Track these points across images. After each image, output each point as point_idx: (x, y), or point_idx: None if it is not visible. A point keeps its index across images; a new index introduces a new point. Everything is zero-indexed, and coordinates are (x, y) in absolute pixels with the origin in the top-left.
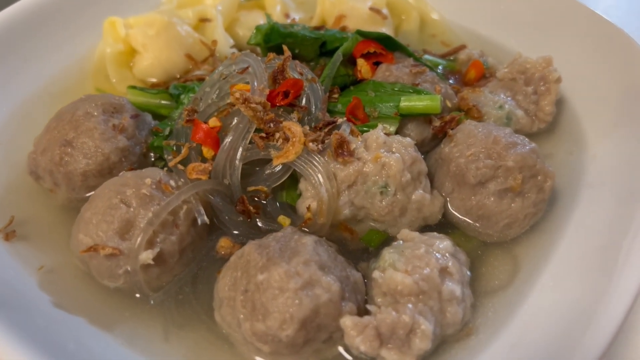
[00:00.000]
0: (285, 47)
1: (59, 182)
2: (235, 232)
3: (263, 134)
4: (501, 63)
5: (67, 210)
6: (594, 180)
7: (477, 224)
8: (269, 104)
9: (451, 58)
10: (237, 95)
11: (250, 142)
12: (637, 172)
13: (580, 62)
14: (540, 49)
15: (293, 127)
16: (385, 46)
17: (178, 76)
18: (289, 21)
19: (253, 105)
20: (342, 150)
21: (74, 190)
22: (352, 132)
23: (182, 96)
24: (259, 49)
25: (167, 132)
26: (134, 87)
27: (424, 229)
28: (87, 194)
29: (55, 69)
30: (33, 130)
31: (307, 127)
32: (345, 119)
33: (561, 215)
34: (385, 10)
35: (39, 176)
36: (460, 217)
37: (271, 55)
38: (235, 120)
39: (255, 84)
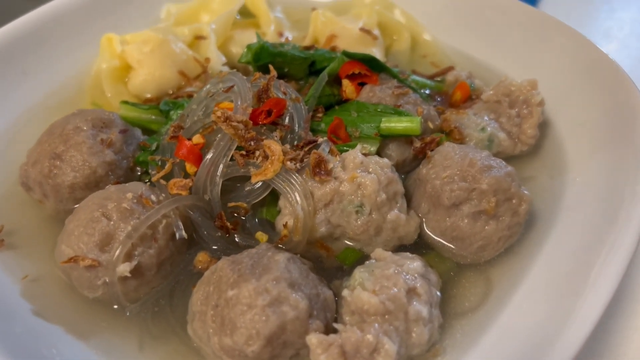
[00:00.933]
0: (271, 67)
1: (48, 193)
2: (214, 247)
3: (244, 152)
4: (489, 85)
5: (55, 221)
6: (572, 203)
7: (452, 245)
8: (251, 122)
9: (439, 79)
10: (219, 114)
11: (231, 159)
12: (613, 197)
13: (566, 85)
14: (528, 72)
15: (272, 145)
16: (371, 67)
17: (171, 92)
18: (282, 39)
19: (234, 123)
20: (319, 169)
21: (61, 202)
22: (331, 152)
23: (172, 112)
24: (250, 67)
25: (154, 147)
26: (126, 102)
27: (400, 248)
28: (74, 206)
29: (53, 83)
30: (28, 143)
31: (288, 146)
32: (325, 138)
33: (537, 238)
34: (376, 31)
35: (29, 187)
36: (435, 238)
37: (257, 74)
38: (218, 138)
39: (239, 102)
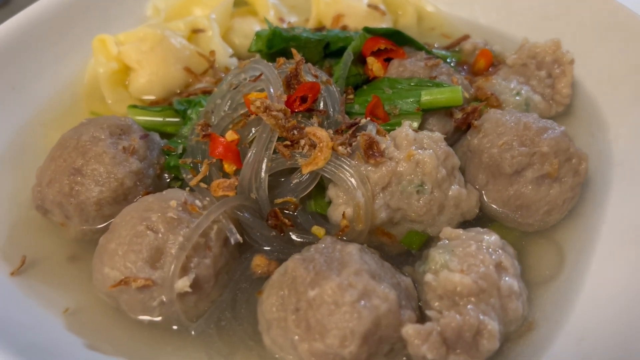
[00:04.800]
0: (294, 51)
1: (70, 214)
2: (267, 248)
3: (287, 143)
4: (507, 51)
5: (81, 244)
6: (622, 159)
7: (517, 214)
8: (289, 110)
9: (456, 49)
10: (258, 104)
11: (274, 152)
12: None
13: (586, 43)
14: (541, 33)
15: (318, 132)
16: (395, 41)
17: (178, 91)
18: (285, 25)
19: (274, 113)
20: (372, 151)
21: (87, 221)
22: (378, 132)
23: (189, 111)
24: (258, 56)
25: (180, 150)
26: (134, 106)
27: (462, 225)
28: (102, 224)
29: (44, 96)
30: (31, 164)
31: (331, 131)
32: (368, 119)
33: (597, 197)
34: (382, 6)
35: (46, 210)
36: (497, 209)
37: (281, 60)
38: (254, 131)
39: (272, 90)
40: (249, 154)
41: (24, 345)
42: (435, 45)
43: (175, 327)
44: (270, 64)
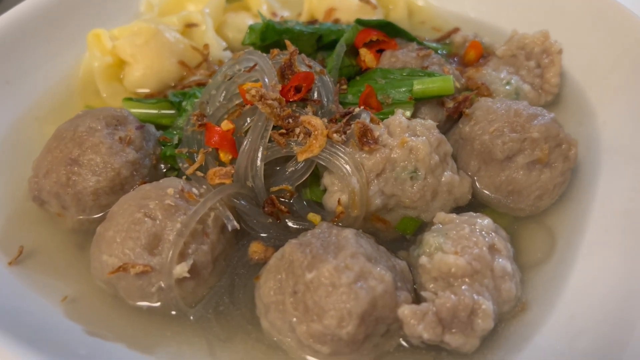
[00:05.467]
0: (288, 42)
1: (67, 204)
2: (264, 234)
3: (282, 131)
4: (496, 42)
5: (78, 233)
6: (610, 145)
7: (508, 200)
8: (284, 99)
9: (446, 42)
10: (253, 92)
11: (269, 141)
12: None
13: (574, 33)
14: (529, 25)
15: (313, 120)
16: (387, 33)
17: (173, 84)
18: (277, 19)
19: (269, 101)
20: (366, 139)
21: (84, 211)
22: (372, 120)
23: (184, 103)
24: (252, 49)
25: (175, 140)
26: (129, 99)
27: (455, 210)
28: (99, 214)
29: (40, 90)
30: (26, 158)
31: (325, 120)
32: (362, 107)
33: (587, 182)
34: (373, 0)
35: (43, 201)
36: (489, 194)
37: (275, 51)
38: (249, 120)
39: (267, 80)
40: (245, 142)
41: (23, 332)
42: (426, 39)
43: (173, 313)
44: (265, 54)
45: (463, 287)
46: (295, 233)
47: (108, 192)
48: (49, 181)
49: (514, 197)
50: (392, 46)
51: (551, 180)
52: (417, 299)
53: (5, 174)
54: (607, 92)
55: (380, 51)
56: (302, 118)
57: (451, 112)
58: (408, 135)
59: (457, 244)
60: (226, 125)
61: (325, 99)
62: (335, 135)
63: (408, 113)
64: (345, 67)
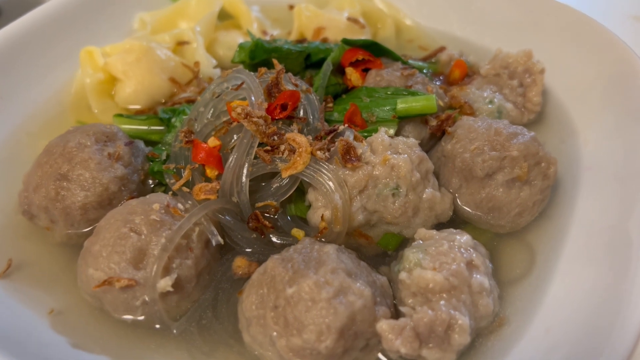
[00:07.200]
0: (275, 61)
1: (56, 218)
2: (248, 249)
3: (268, 148)
4: (481, 61)
5: (66, 247)
6: (591, 162)
7: (489, 216)
8: (270, 117)
9: (432, 60)
10: (239, 110)
11: (254, 158)
12: (628, 151)
13: (556, 53)
14: (513, 44)
15: (297, 137)
16: (372, 52)
17: (163, 101)
18: (267, 37)
19: (255, 119)
20: (349, 156)
21: (72, 225)
22: (355, 138)
23: (174, 119)
24: (241, 67)
25: (163, 156)
26: (120, 115)
27: (437, 227)
28: (87, 229)
29: (32, 105)
30: (17, 172)
31: (310, 137)
32: (346, 125)
33: (566, 200)
34: (362, 20)
35: (32, 215)
36: (470, 211)
37: (262, 69)
38: (236, 137)
39: (253, 98)
40: (231, 158)
41: (10, 344)
42: (412, 57)
43: (157, 326)
44: (252, 73)
45: (440, 302)
46: (279, 248)
47: (96, 206)
48: (39, 195)
49: (494, 214)
50: (377, 65)
51: (531, 198)
52: (397, 314)
53: None
54: (588, 110)
55: (366, 70)
56: (287, 135)
57: (434, 130)
58: (390, 153)
59: (435, 260)
60: (213, 141)
61: (311, 117)
62: (319, 152)
63: (392, 131)
64: (332, 85)
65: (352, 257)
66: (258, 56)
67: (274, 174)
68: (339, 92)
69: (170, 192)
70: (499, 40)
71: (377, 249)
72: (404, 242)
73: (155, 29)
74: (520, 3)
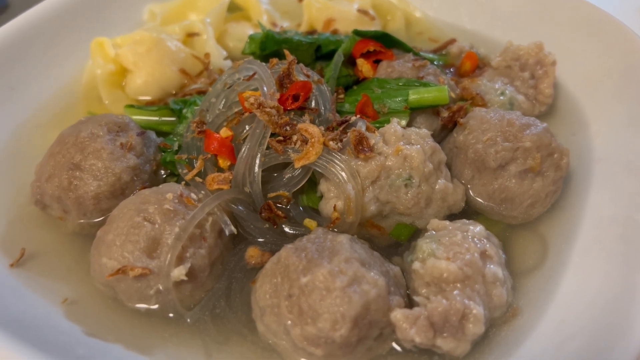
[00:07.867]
0: (287, 52)
1: (69, 208)
2: (260, 239)
3: (280, 138)
4: (491, 53)
5: (78, 237)
6: (602, 155)
7: (501, 207)
8: (282, 107)
9: (443, 52)
10: (252, 100)
11: (267, 148)
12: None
13: (567, 45)
14: (524, 36)
15: (310, 128)
16: (384, 43)
17: (174, 92)
18: (277, 29)
19: (268, 109)
20: (362, 147)
21: (85, 215)
22: (367, 129)
23: (185, 110)
24: (251, 58)
25: (175, 147)
26: (131, 106)
27: (449, 217)
28: (100, 218)
29: (43, 96)
30: (29, 162)
31: (322, 128)
32: (358, 116)
33: (579, 191)
34: (372, 11)
35: (45, 205)
36: (483, 202)
37: (274, 60)
38: (248, 128)
39: (265, 89)
40: (243, 149)
41: (24, 333)
42: (423, 49)
43: (171, 315)
44: (264, 64)
45: (455, 292)
46: (291, 238)
47: (109, 196)
48: (51, 185)
49: (506, 205)
50: (388, 57)
51: (543, 189)
52: (410, 304)
53: (8, 178)
54: (600, 102)
55: (377, 61)
56: (299, 126)
57: (446, 122)
58: (403, 144)
59: (449, 250)
60: (225, 132)
61: (323, 108)
62: (331, 142)
63: (404, 122)
64: (343, 76)
65: (365, 247)
66: (269, 47)
67: (286, 165)
68: (350, 83)
69: (183, 183)
70: (509, 33)
71: (390, 239)
72: (416, 232)
73: (165, 20)
74: None
